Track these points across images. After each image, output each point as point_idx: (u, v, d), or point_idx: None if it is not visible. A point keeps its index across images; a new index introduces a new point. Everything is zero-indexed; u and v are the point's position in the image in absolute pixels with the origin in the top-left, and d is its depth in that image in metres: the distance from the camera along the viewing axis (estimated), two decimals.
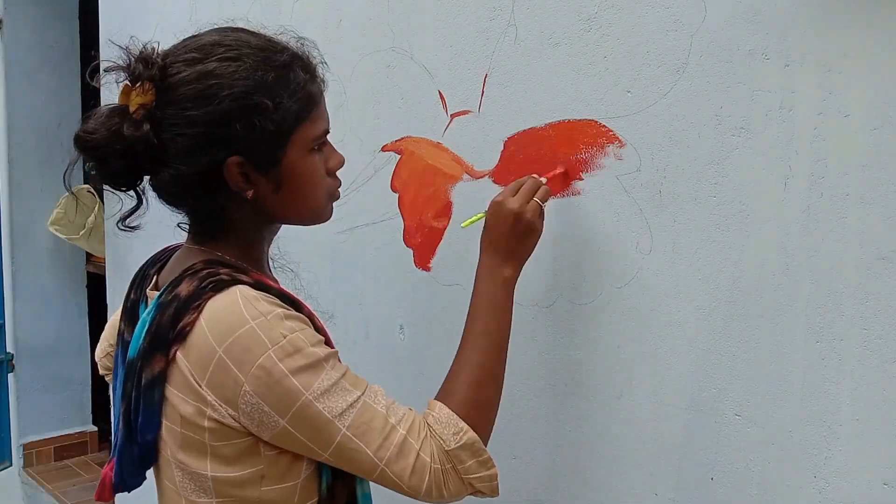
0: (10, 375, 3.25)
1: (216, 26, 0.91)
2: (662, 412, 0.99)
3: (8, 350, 3.23)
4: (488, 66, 1.17)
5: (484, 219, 1.01)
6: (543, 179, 1.03)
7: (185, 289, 0.84)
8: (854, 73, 0.80)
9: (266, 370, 0.80)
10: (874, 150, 0.79)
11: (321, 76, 0.92)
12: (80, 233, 3.14)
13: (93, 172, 0.88)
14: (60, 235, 3.17)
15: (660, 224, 0.98)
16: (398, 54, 1.33)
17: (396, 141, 1.35)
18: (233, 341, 0.80)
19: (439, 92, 1.26)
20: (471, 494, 0.88)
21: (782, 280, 0.87)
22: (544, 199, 1.00)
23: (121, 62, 0.84)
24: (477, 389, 0.90)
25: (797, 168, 0.85)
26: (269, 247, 0.99)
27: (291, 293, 0.89)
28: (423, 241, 1.30)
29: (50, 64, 3.32)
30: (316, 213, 0.95)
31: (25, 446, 3.38)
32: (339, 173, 0.96)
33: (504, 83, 1.15)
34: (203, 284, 0.83)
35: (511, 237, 0.97)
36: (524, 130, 1.13)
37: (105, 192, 2.62)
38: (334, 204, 0.98)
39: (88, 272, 3.48)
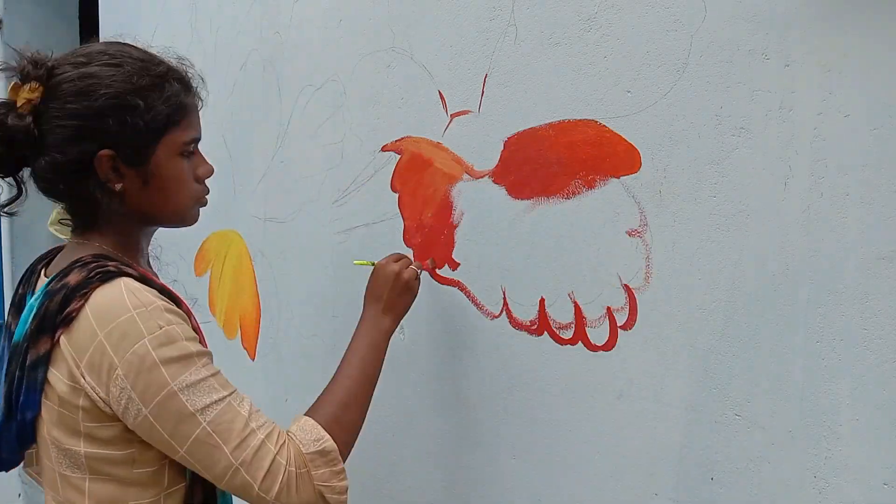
0: None
1: (105, 41, 1.01)
2: (662, 412, 0.99)
3: None
4: (488, 66, 1.17)
5: (368, 266, 1.20)
6: (422, 266, 1.24)
7: (73, 278, 0.90)
8: (854, 73, 0.80)
9: (139, 356, 0.85)
10: (874, 150, 0.79)
11: (197, 92, 1.02)
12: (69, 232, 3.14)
13: None
14: (60, 236, 3.16)
15: (660, 224, 0.98)
16: (398, 54, 1.33)
17: (396, 141, 1.35)
18: (113, 327, 0.86)
19: (439, 92, 1.26)
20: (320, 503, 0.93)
21: (782, 280, 0.87)
22: (419, 268, 1.19)
23: (14, 64, 0.94)
24: (343, 409, 0.99)
25: (797, 168, 0.85)
26: (146, 245, 1.06)
27: (172, 289, 0.95)
28: (424, 242, 1.30)
29: None
30: (180, 213, 1.02)
31: None
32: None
33: (504, 83, 1.15)
34: (91, 275, 0.90)
35: (392, 293, 1.13)
36: (524, 130, 1.13)
37: None
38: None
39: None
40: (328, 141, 1.49)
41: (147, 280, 0.92)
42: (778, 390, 0.88)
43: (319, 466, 0.92)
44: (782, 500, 0.88)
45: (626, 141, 1.00)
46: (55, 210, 1.03)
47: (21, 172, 0.98)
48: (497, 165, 1.17)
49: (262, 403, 0.92)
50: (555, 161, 1.09)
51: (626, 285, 1.02)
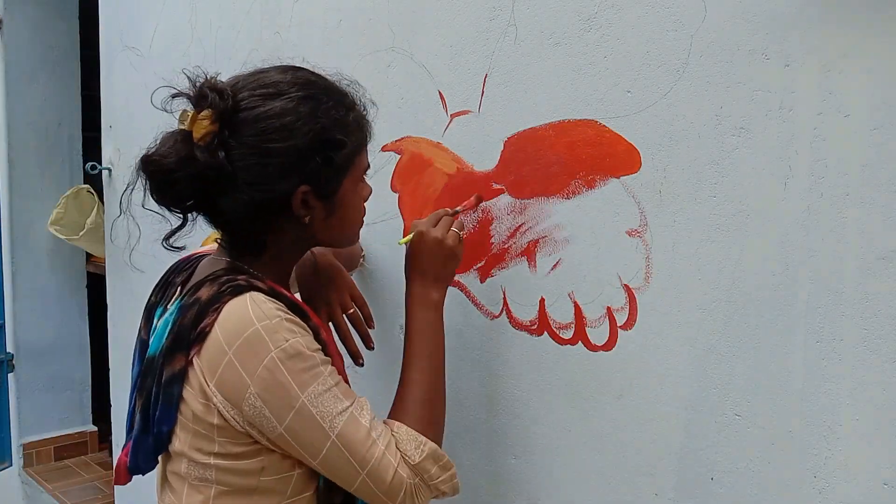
0: (10, 375, 3.25)
1: (276, 64, 0.98)
2: (662, 412, 0.99)
3: (8, 350, 3.23)
4: (488, 66, 1.17)
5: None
6: (459, 208, 1.16)
7: (205, 293, 0.90)
8: (854, 73, 0.80)
9: (270, 371, 0.86)
10: (874, 150, 0.79)
11: (368, 113, 1.01)
12: (80, 233, 3.14)
13: (152, 195, 0.93)
14: (60, 236, 3.17)
15: (660, 224, 0.98)
16: (398, 54, 1.33)
17: (396, 141, 1.35)
18: (241, 343, 0.86)
19: (439, 92, 1.26)
20: (435, 497, 0.95)
21: (782, 280, 0.87)
22: (460, 229, 1.11)
23: (187, 90, 0.90)
24: (428, 407, 0.99)
25: (797, 168, 0.85)
26: (295, 264, 1.05)
27: (303, 304, 0.95)
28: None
29: (50, 64, 3.31)
30: (353, 237, 1.06)
31: (25, 446, 3.38)
32: None
33: (504, 83, 1.15)
34: (223, 289, 0.89)
35: (437, 263, 1.07)
36: (524, 130, 1.13)
37: (106, 192, 2.61)
38: None
39: (88, 272, 3.48)
40: None
41: (276, 293, 0.92)
42: (778, 390, 0.88)
43: (429, 469, 0.93)
44: (782, 500, 0.88)
45: (626, 141, 1.00)
46: (55, 210, 1.02)
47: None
48: (497, 165, 1.17)
49: None
50: (555, 161, 1.09)
51: (626, 285, 1.02)
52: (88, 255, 3.45)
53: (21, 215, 3.27)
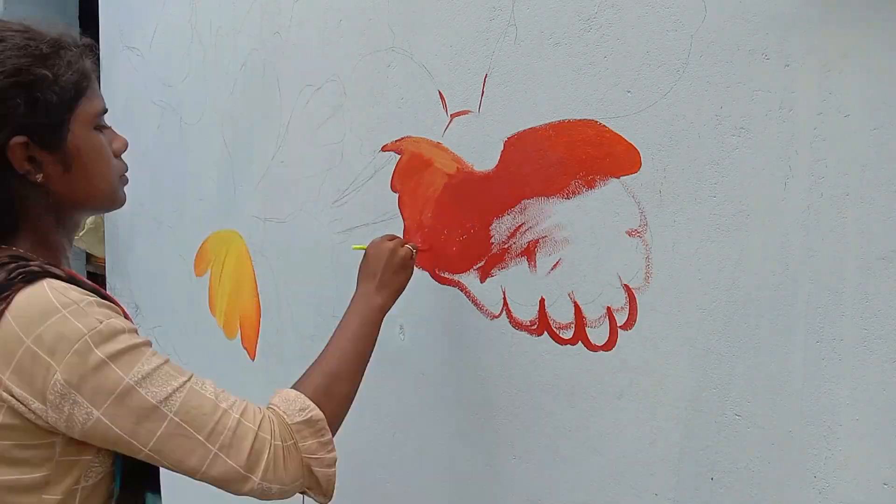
0: None
1: None
2: (662, 412, 0.99)
3: None
4: (488, 66, 1.17)
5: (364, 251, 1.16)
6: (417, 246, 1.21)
7: None
8: (854, 73, 0.80)
9: (81, 356, 0.77)
10: (874, 150, 0.79)
11: (90, 56, 0.91)
12: (80, 233, 3.14)
13: None
14: None
15: (660, 224, 0.98)
16: (398, 54, 1.33)
17: (396, 141, 1.35)
18: (43, 330, 0.76)
19: (439, 92, 1.26)
20: (304, 490, 0.87)
21: (782, 280, 0.87)
22: (414, 248, 1.16)
23: None
24: (332, 380, 0.93)
25: (797, 168, 0.85)
26: (69, 246, 0.95)
27: (103, 290, 0.87)
28: (424, 241, 1.30)
29: None
30: (109, 194, 0.92)
31: None
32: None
33: (504, 83, 1.15)
34: (12, 276, 0.80)
35: (387, 270, 1.10)
36: (524, 130, 1.13)
37: None
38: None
39: (88, 272, 3.48)
40: (328, 141, 1.49)
41: (76, 280, 0.84)
42: (778, 390, 0.88)
43: (306, 438, 0.86)
44: (782, 500, 0.88)
45: (626, 141, 1.00)
46: None
47: None
48: (497, 165, 1.17)
49: (262, 403, 0.91)
50: (555, 161, 1.09)
51: (626, 285, 1.02)
52: (88, 255, 3.45)
53: None
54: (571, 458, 1.10)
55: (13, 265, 0.81)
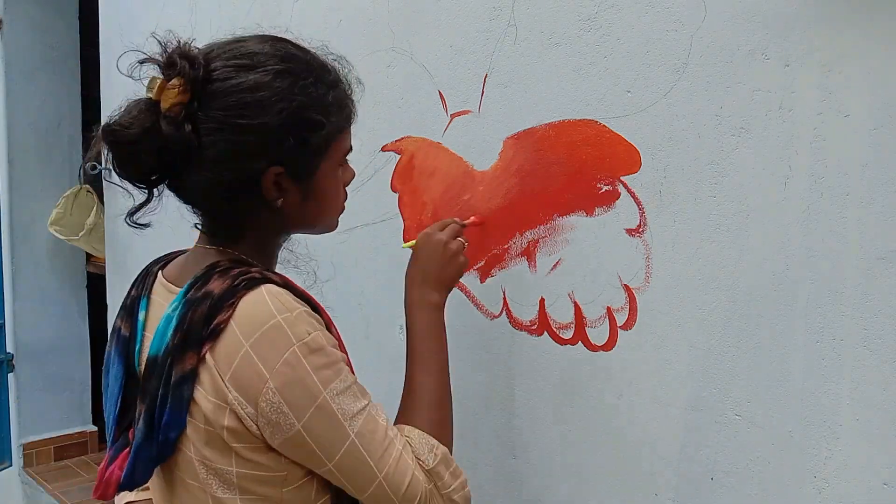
0: (10, 375, 3.25)
1: (257, 33, 0.90)
2: (662, 412, 0.99)
3: (8, 350, 3.23)
4: (488, 66, 1.17)
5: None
6: (466, 221, 1.14)
7: (217, 286, 0.83)
8: (854, 73, 0.80)
9: (291, 366, 0.80)
10: (874, 150, 0.79)
11: (354, 93, 0.94)
12: (80, 233, 3.14)
13: (106, 168, 0.87)
14: (60, 236, 3.17)
15: (660, 224, 0.98)
16: (398, 54, 1.33)
17: (396, 141, 1.35)
18: (260, 335, 0.80)
19: (439, 92, 1.26)
20: None
21: (782, 280, 0.87)
22: (465, 241, 1.09)
23: (157, 56, 0.83)
24: (436, 409, 0.94)
25: (797, 168, 0.85)
26: (279, 251, 1.00)
27: (312, 296, 0.90)
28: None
29: (50, 64, 3.31)
30: (331, 224, 0.99)
31: (25, 446, 3.37)
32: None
33: (504, 83, 1.15)
34: (237, 282, 0.83)
35: (440, 265, 1.04)
36: (524, 130, 1.13)
37: (106, 192, 2.62)
38: None
39: (88, 272, 3.48)
40: None
41: (290, 286, 0.87)
42: (778, 390, 0.88)
43: (442, 475, 0.88)
44: (782, 500, 0.88)
45: (626, 141, 1.00)
46: (55, 210, 1.01)
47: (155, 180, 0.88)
48: (497, 165, 1.17)
49: None
50: (555, 161, 1.09)
51: (626, 285, 1.02)
52: (88, 255, 3.45)
53: (21, 215, 3.27)
54: (571, 458, 1.10)
55: (237, 271, 0.85)
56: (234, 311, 0.81)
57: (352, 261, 1.46)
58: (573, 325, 1.09)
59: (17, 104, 3.24)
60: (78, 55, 3.38)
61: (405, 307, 1.03)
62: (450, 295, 1.17)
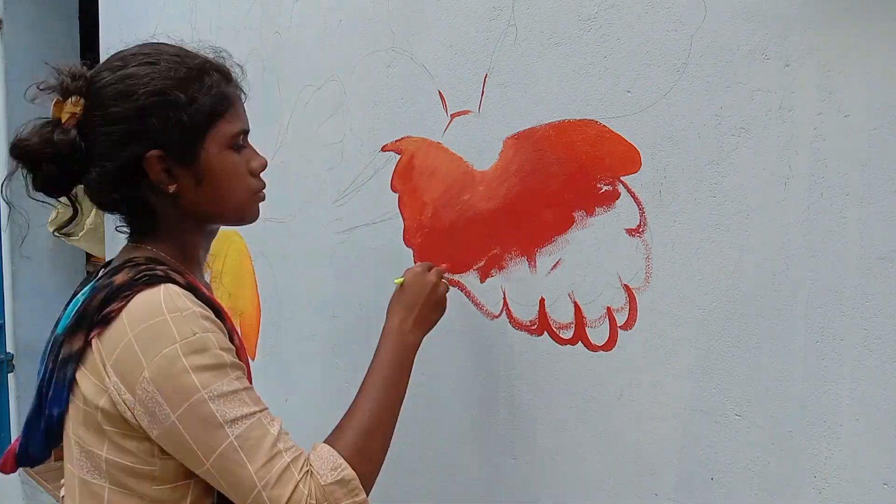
0: (10, 375, 3.24)
1: (138, 43, 0.98)
2: (662, 412, 0.99)
3: (8, 350, 3.22)
4: (488, 66, 1.17)
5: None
6: (443, 267, 1.17)
7: (120, 278, 0.88)
8: (854, 73, 0.80)
9: (169, 360, 0.83)
10: (874, 150, 0.79)
11: (237, 82, 1.00)
12: (80, 233, 3.14)
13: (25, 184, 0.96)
14: (59, 235, 3.17)
15: (660, 224, 0.98)
16: (398, 54, 1.33)
17: (396, 141, 1.35)
18: (144, 328, 0.84)
19: (439, 92, 1.26)
20: None
21: (782, 280, 0.87)
22: (448, 286, 1.13)
23: (54, 81, 0.92)
24: (365, 437, 0.92)
25: (797, 168, 0.85)
26: (205, 254, 1.03)
27: (220, 304, 0.93)
28: (424, 242, 1.30)
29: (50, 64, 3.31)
30: (239, 209, 0.99)
31: None
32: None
33: (504, 83, 1.15)
34: (137, 277, 0.87)
35: (425, 305, 1.07)
36: (524, 130, 1.13)
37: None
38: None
39: (88, 272, 3.48)
40: (328, 141, 1.49)
41: (193, 288, 0.89)
42: (778, 390, 0.88)
43: (339, 499, 0.86)
44: (782, 500, 0.88)
45: (626, 141, 1.00)
46: (55, 210, 1.03)
47: (74, 191, 0.96)
48: (497, 165, 1.17)
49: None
50: (555, 161, 1.09)
51: (626, 285, 1.02)
52: (88, 255, 3.45)
53: (21, 215, 3.27)
54: (571, 458, 1.10)
55: (144, 266, 0.89)
56: (126, 302, 0.85)
57: (352, 261, 1.46)
58: (573, 325, 1.09)
59: (17, 104, 3.24)
60: (78, 55, 3.38)
61: (382, 332, 1.05)
62: (450, 295, 1.17)
